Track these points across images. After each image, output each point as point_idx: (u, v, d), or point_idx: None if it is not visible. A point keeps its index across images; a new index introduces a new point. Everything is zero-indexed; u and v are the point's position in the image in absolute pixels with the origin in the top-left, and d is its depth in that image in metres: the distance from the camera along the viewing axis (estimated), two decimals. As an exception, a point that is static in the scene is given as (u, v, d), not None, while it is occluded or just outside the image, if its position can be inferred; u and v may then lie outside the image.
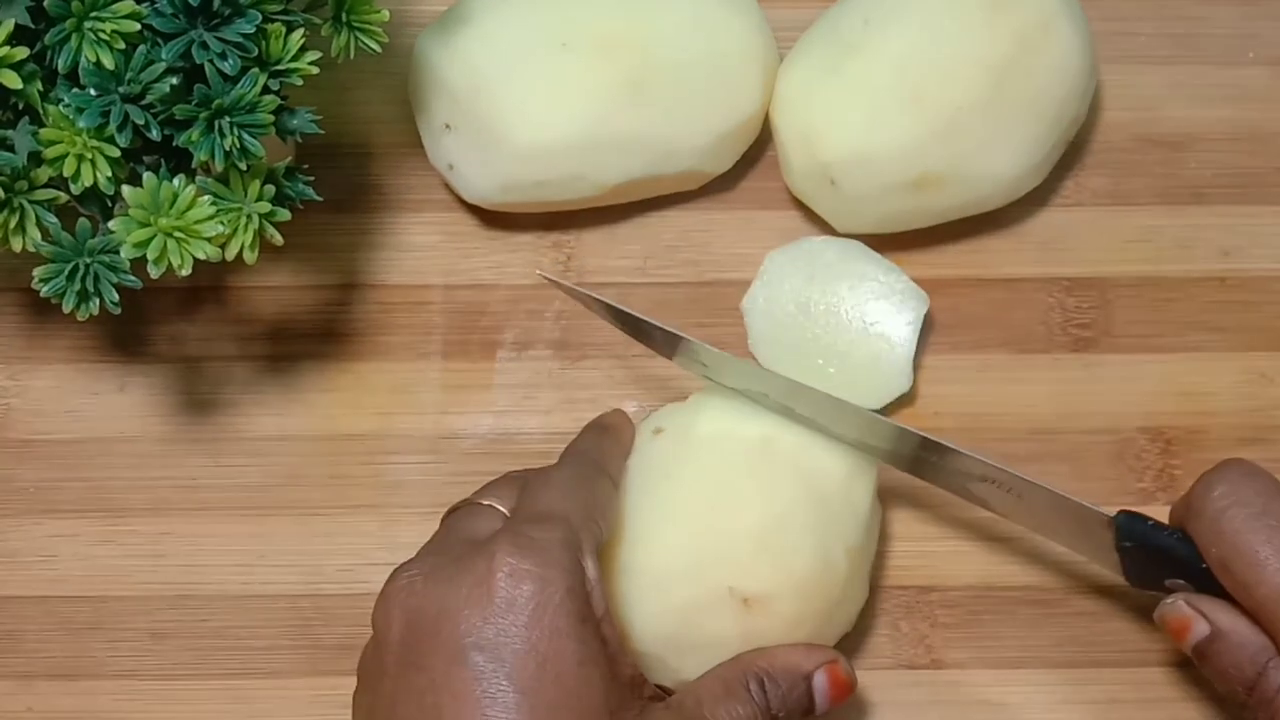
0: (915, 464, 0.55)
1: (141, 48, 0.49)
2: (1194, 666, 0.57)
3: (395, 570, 0.49)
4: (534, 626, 0.46)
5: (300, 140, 0.53)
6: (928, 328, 0.61)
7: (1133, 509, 0.52)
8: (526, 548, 0.47)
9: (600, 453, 0.55)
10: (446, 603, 0.47)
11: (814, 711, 0.52)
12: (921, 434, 0.53)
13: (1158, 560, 0.52)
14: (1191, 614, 0.51)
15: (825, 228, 0.62)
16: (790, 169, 0.61)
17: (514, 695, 0.45)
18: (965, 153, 0.58)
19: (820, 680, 0.52)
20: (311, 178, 0.54)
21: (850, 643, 0.58)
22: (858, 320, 0.60)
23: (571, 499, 0.50)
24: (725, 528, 0.53)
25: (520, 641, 0.46)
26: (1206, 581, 0.50)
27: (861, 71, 0.58)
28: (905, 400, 0.59)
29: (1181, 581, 0.51)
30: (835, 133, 0.59)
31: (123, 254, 0.49)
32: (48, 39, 0.49)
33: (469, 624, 0.46)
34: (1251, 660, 0.50)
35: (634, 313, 0.56)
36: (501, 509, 0.51)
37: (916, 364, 0.60)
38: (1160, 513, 0.59)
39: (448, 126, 0.60)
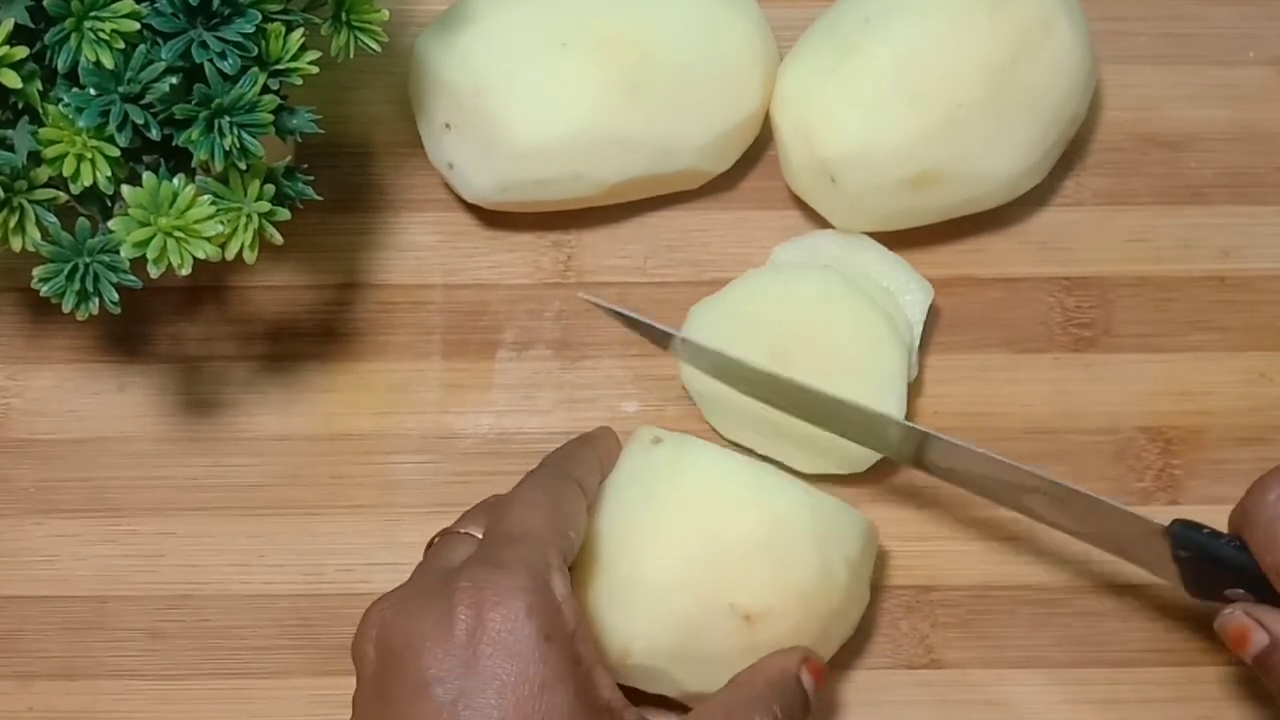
0: (931, 466, 0.55)
1: (141, 47, 0.49)
2: (1195, 667, 0.58)
3: (372, 604, 0.50)
4: (493, 654, 0.46)
5: (300, 140, 0.53)
6: (928, 327, 0.61)
7: (1187, 520, 0.51)
8: (486, 577, 0.47)
9: (571, 461, 0.54)
10: (412, 637, 0.47)
11: (810, 710, 0.52)
12: (940, 436, 0.53)
13: (1216, 569, 0.50)
14: (1250, 624, 0.49)
15: (825, 227, 0.62)
16: (790, 167, 0.61)
17: None
18: (965, 150, 0.58)
19: (806, 677, 0.52)
20: (311, 177, 0.54)
21: (850, 643, 0.58)
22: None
23: (537, 515, 0.50)
24: (724, 539, 0.53)
25: (480, 671, 0.46)
26: (1267, 590, 0.49)
27: (862, 69, 0.58)
28: (909, 393, 0.59)
29: (1241, 591, 0.50)
30: (835, 130, 0.59)
31: (122, 253, 0.49)
32: (47, 38, 0.49)
33: (431, 657, 0.47)
34: None
35: (629, 313, 0.57)
36: (477, 535, 0.52)
37: (920, 360, 0.60)
38: (1160, 512, 0.59)
39: (447, 126, 0.60)
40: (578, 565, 0.53)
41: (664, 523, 0.53)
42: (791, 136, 0.60)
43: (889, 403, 0.57)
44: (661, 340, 0.57)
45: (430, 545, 0.54)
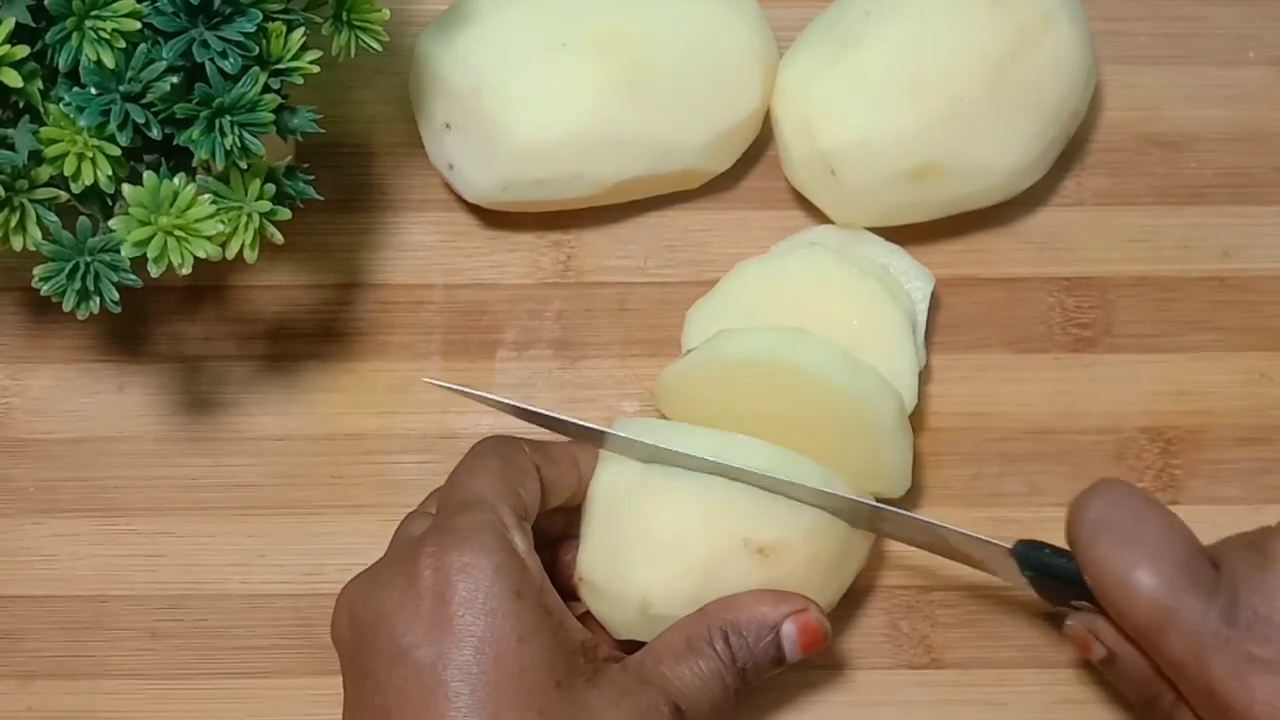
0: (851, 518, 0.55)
1: (142, 46, 0.49)
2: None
3: (343, 586, 0.52)
4: (466, 613, 0.48)
5: (301, 139, 0.53)
6: (930, 324, 0.61)
7: (1030, 539, 0.52)
8: (448, 541, 0.49)
9: (527, 439, 0.55)
10: (383, 607, 0.49)
11: (784, 662, 0.52)
12: (839, 494, 0.53)
13: (1059, 584, 0.51)
14: (1087, 636, 0.52)
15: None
16: (790, 160, 0.61)
17: (455, 683, 0.47)
18: (965, 143, 0.58)
19: (789, 629, 0.52)
20: (312, 177, 0.54)
21: (850, 643, 0.58)
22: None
23: (484, 478, 0.51)
24: (732, 480, 0.53)
25: (455, 631, 0.47)
26: None
27: (862, 62, 0.58)
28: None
29: (1085, 603, 0.51)
30: (835, 122, 0.59)
31: (123, 252, 0.49)
32: (48, 37, 0.49)
33: (405, 623, 0.48)
34: (1143, 683, 0.51)
35: (541, 410, 0.56)
36: (434, 511, 0.53)
37: (927, 344, 0.60)
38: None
39: (448, 126, 0.60)
40: (588, 530, 0.54)
41: (672, 474, 0.53)
42: (792, 129, 0.60)
43: (902, 363, 0.57)
44: (588, 438, 0.56)
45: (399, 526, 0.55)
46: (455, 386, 0.56)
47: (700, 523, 0.53)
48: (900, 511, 0.53)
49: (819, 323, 0.58)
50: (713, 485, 0.53)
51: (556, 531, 0.57)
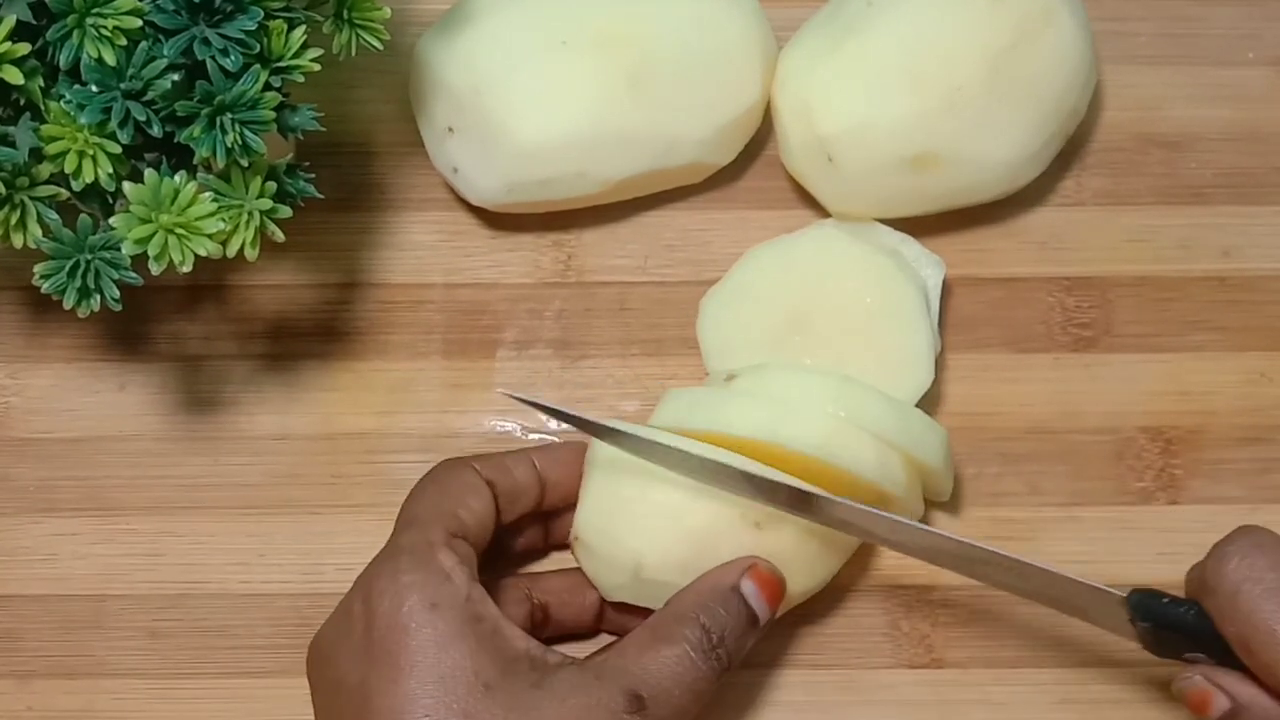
0: (880, 537, 0.54)
1: (143, 44, 0.49)
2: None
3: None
4: (387, 634, 0.49)
5: (301, 137, 0.53)
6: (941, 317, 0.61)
7: (1145, 587, 0.50)
8: (373, 571, 0.51)
9: (477, 457, 0.56)
10: (329, 648, 0.52)
11: (758, 622, 0.52)
12: (886, 515, 0.52)
13: (1175, 635, 0.50)
14: (1210, 689, 0.49)
15: (827, 223, 0.62)
16: (789, 148, 0.61)
17: (376, 699, 0.49)
18: (963, 132, 0.58)
19: (748, 586, 0.52)
20: (313, 175, 0.54)
21: (850, 643, 0.58)
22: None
23: (421, 502, 0.54)
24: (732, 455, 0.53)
25: (375, 652, 0.49)
26: (1226, 653, 0.49)
27: (862, 49, 0.59)
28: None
29: (1201, 656, 0.50)
30: (834, 106, 0.59)
31: (124, 251, 0.49)
32: (49, 35, 0.49)
33: (340, 655, 0.50)
34: None
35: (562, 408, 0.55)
36: None
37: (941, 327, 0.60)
38: (1160, 512, 0.59)
39: (450, 130, 0.60)
40: (586, 491, 0.55)
41: (675, 440, 0.53)
42: (791, 115, 0.60)
43: (918, 338, 0.57)
44: (597, 432, 0.55)
45: None
46: (529, 398, 0.55)
47: (697, 492, 0.53)
48: (999, 552, 0.51)
49: (833, 302, 0.58)
50: (712, 455, 0.53)
51: (539, 543, 0.58)
